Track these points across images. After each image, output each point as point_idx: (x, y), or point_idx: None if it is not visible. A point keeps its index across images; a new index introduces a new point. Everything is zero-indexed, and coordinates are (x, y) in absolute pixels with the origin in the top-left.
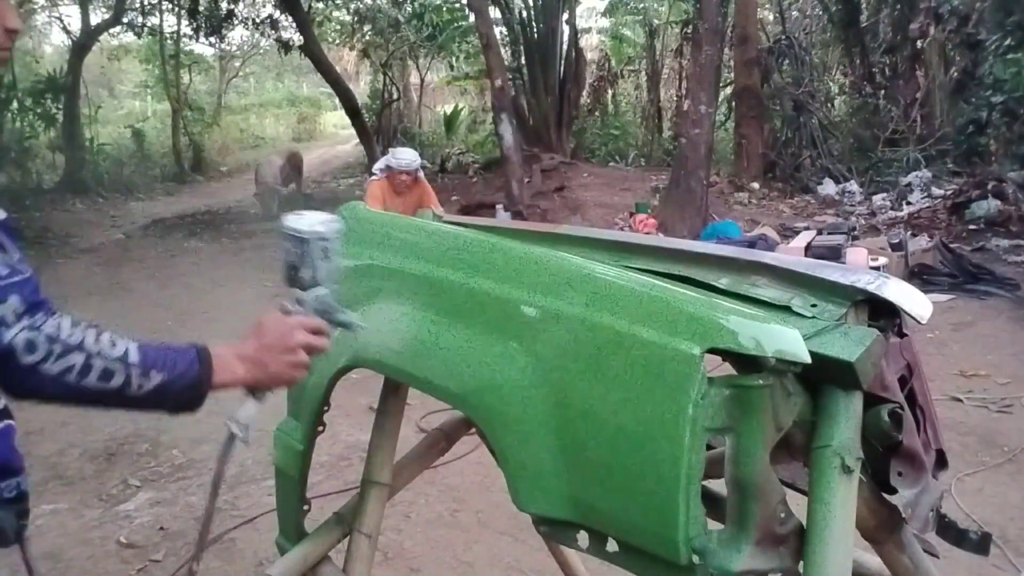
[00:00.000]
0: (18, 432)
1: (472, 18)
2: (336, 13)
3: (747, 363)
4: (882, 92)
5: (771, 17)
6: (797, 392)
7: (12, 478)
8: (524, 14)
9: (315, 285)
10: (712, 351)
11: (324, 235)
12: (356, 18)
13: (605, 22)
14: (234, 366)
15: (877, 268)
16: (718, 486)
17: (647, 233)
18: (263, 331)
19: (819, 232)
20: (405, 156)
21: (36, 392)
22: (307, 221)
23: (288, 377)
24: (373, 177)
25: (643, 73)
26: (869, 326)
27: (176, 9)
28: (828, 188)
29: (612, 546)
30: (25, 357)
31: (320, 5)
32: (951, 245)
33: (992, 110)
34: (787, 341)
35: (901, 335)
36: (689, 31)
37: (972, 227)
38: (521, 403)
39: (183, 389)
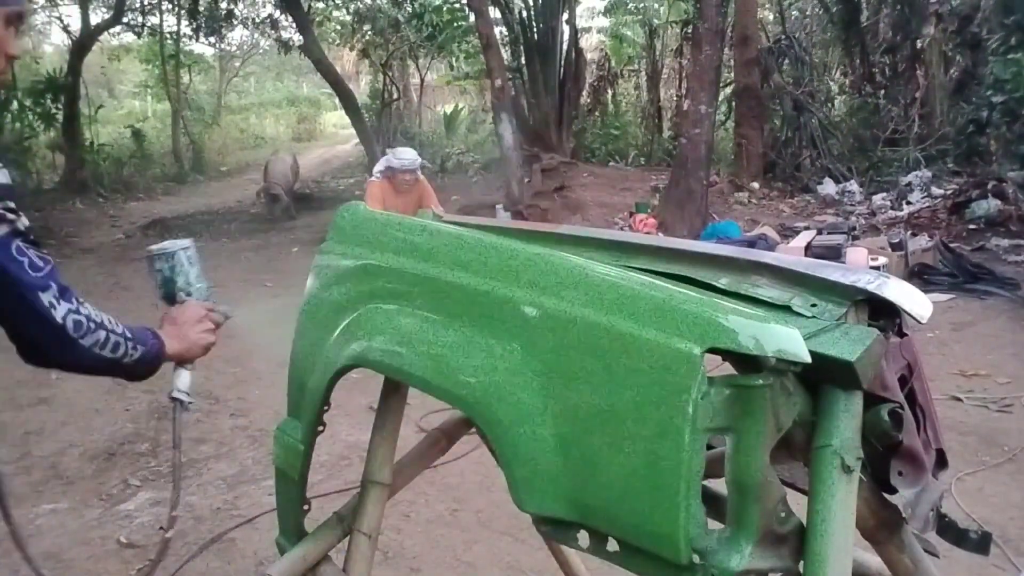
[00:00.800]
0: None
1: (472, 18)
2: (336, 13)
3: (747, 363)
4: (882, 92)
5: (771, 17)
6: (797, 392)
7: None
8: (524, 14)
9: (191, 286)
10: (712, 351)
11: (184, 245)
12: (356, 18)
13: (605, 22)
14: (172, 342)
15: (877, 268)
16: (718, 486)
17: (647, 233)
18: (176, 316)
19: (819, 232)
20: (405, 155)
21: (76, 362)
22: (166, 243)
23: (207, 343)
24: (373, 177)
25: (643, 73)
26: (869, 326)
27: (176, 9)
28: (828, 188)
29: (612, 546)
30: (73, 333)
31: (320, 5)
32: (951, 245)
33: (992, 110)
34: (787, 341)
35: (901, 335)
36: (689, 31)
37: (972, 227)
38: (521, 403)
39: (151, 359)
